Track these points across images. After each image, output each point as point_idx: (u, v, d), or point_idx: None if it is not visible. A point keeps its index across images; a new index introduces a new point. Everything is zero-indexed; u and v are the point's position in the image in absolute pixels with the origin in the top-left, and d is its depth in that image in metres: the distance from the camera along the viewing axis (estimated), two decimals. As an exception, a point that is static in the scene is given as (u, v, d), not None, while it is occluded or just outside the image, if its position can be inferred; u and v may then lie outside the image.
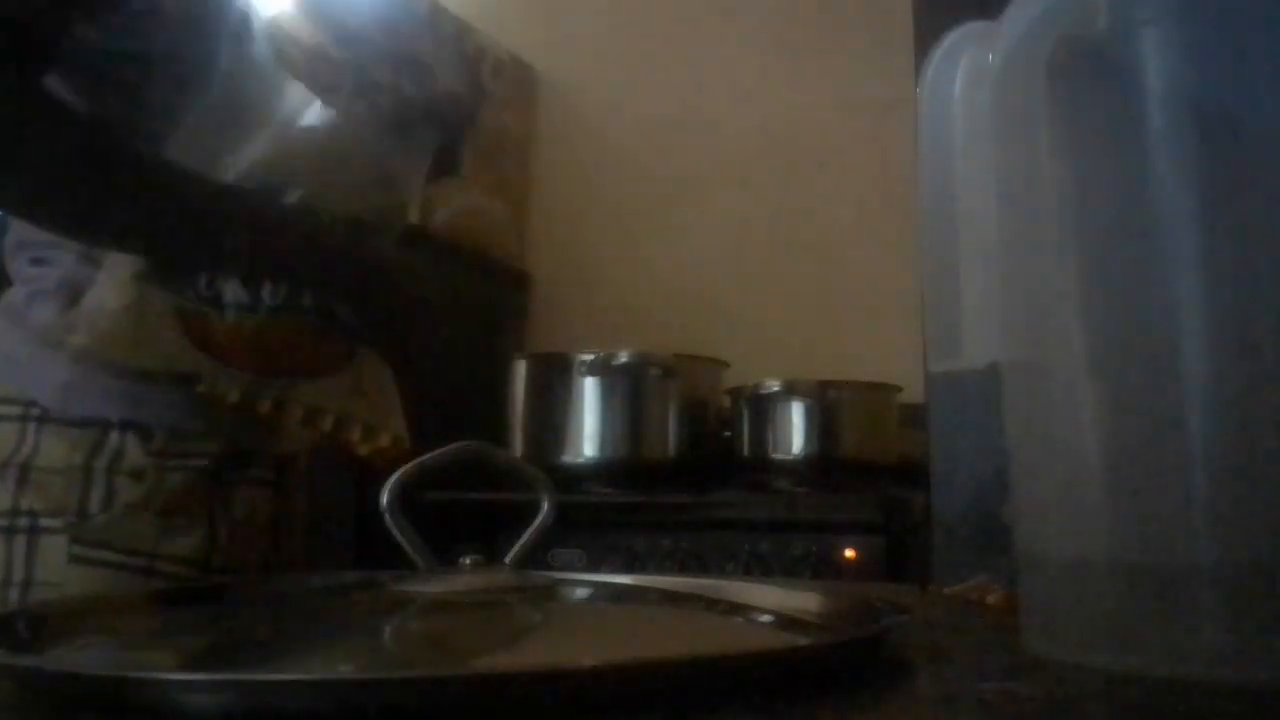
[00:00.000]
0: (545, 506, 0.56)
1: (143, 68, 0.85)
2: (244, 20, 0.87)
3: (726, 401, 1.76)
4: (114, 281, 0.86)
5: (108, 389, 0.89)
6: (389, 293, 0.99)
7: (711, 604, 0.55)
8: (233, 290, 0.87)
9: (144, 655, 0.47)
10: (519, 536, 0.55)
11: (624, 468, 1.65)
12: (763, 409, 1.68)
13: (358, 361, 0.96)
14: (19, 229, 0.93)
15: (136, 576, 0.87)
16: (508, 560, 0.53)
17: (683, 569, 1.47)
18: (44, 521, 0.87)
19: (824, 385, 1.65)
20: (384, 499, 0.51)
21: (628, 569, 1.45)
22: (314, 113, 0.91)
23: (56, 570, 0.86)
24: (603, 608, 0.55)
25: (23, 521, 0.87)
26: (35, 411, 0.89)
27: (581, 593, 0.56)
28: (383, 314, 0.98)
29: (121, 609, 0.55)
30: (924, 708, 0.38)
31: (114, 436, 0.89)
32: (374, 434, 0.95)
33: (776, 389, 1.66)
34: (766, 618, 0.53)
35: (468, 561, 0.50)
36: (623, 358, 1.66)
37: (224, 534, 0.93)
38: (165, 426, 0.90)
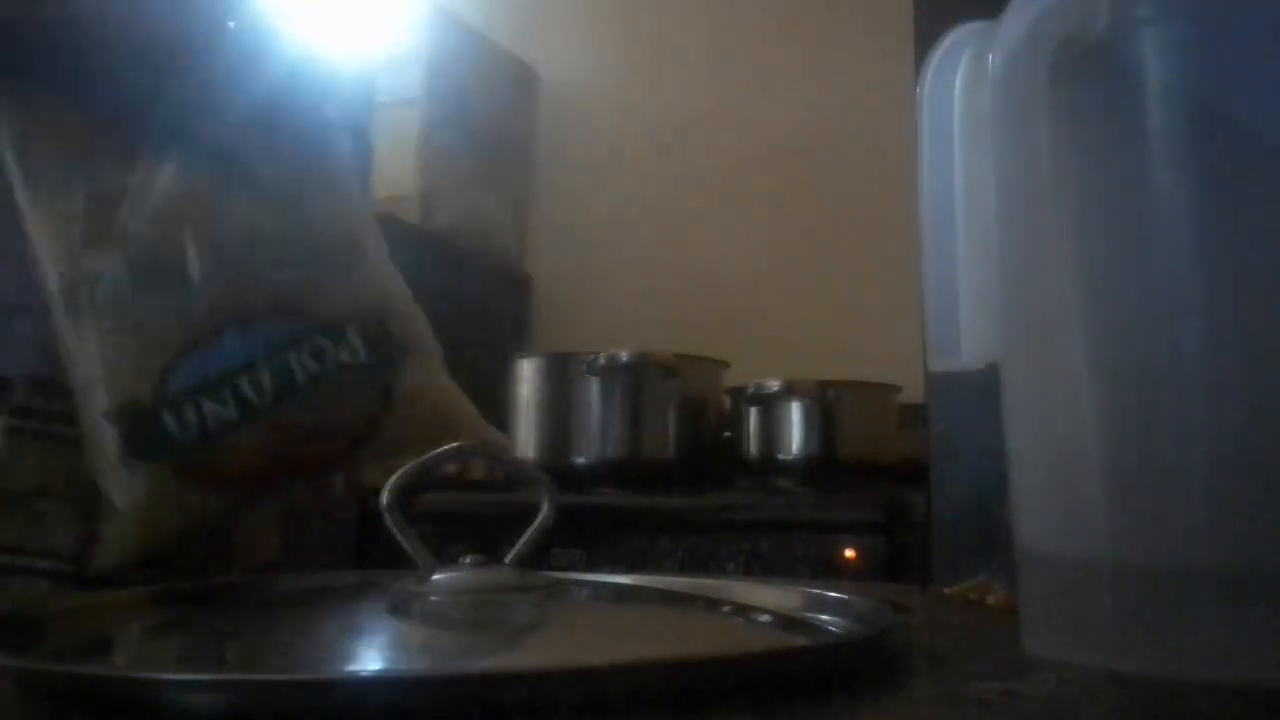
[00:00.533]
0: (545, 506, 0.56)
1: None
2: None
3: (726, 401, 1.76)
4: (118, 488, 0.72)
5: None
6: None
7: (711, 604, 0.55)
8: (211, 413, 0.71)
9: (144, 655, 0.47)
10: (519, 536, 0.55)
11: (624, 468, 1.65)
12: (763, 409, 1.68)
13: (398, 395, 0.79)
14: None
15: None
16: (508, 560, 0.53)
17: (683, 569, 1.47)
18: None
19: (824, 385, 1.65)
20: (384, 499, 0.51)
21: (628, 569, 1.45)
22: None
23: None
24: (603, 608, 0.55)
25: None
26: None
27: (581, 593, 0.56)
28: None
29: (121, 609, 0.55)
30: (924, 708, 0.38)
31: None
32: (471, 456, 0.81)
33: (776, 389, 1.66)
34: (766, 618, 0.53)
35: (468, 561, 0.50)
36: (623, 358, 1.66)
37: (114, 525, 0.75)
38: (28, 375, 0.74)
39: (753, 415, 1.69)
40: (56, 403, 0.74)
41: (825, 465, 1.63)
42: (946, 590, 0.69)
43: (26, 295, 0.74)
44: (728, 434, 1.73)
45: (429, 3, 2.01)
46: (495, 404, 1.75)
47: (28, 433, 0.74)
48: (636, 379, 1.66)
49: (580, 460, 1.66)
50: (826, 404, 1.64)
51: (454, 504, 1.48)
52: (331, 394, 0.76)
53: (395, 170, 1.92)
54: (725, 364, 1.78)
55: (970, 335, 0.51)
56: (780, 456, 1.66)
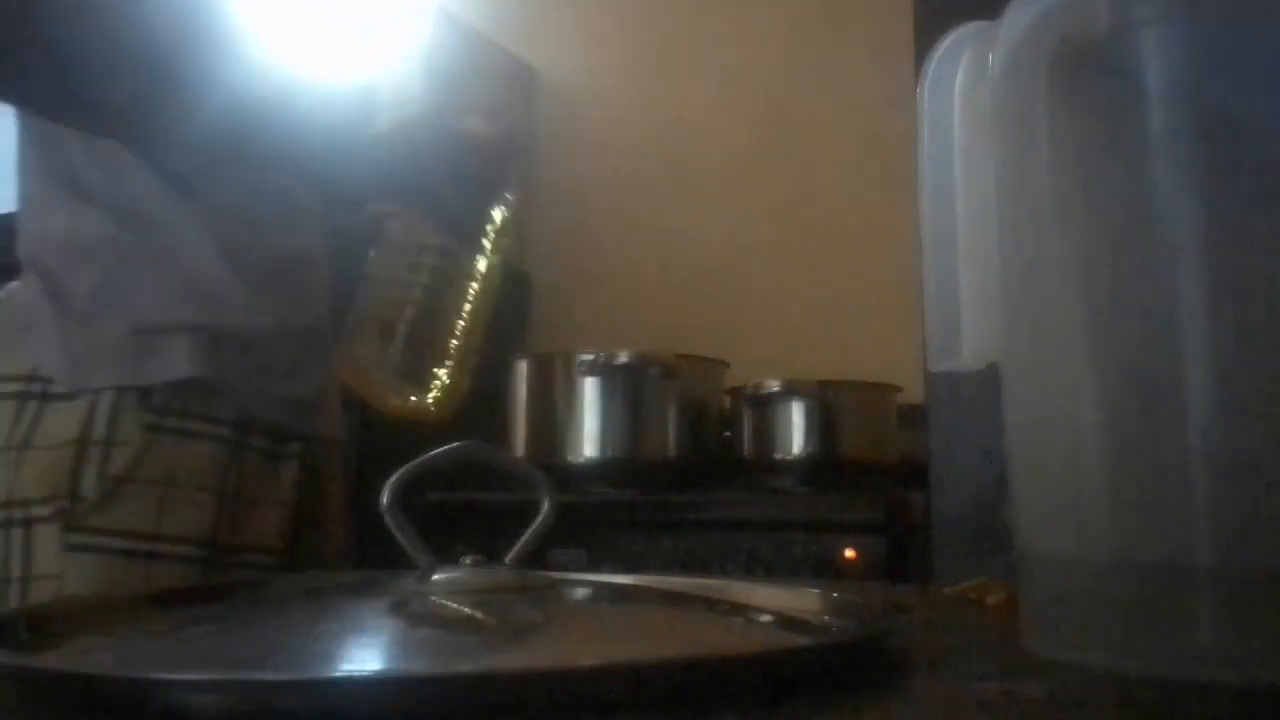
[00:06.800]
0: (545, 506, 0.56)
1: None
2: None
3: (726, 401, 1.76)
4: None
5: (115, 353, 0.84)
6: None
7: (711, 604, 0.55)
8: None
9: (144, 655, 0.47)
10: (519, 536, 0.55)
11: (624, 468, 1.65)
12: (763, 409, 1.68)
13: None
14: (41, 190, 0.90)
15: (138, 562, 0.82)
16: (508, 560, 0.53)
17: (683, 569, 1.47)
18: (35, 510, 0.82)
19: (824, 385, 1.65)
20: (384, 499, 0.51)
21: (628, 569, 1.45)
22: None
23: (53, 561, 0.81)
24: (603, 608, 0.55)
25: (17, 513, 0.83)
26: (36, 388, 0.85)
27: (581, 593, 0.56)
28: None
29: (121, 609, 0.55)
30: (924, 708, 0.38)
31: (108, 399, 0.83)
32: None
33: (776, 389, 1.66)
34: (766, 618, 0.53)
35: (468, 561, 0.50)
36: (623, 358, 1.66)
37: (236, 513, 0.87)
38: (169, 384, 0.84)
39: (753, 415, 1.69)
40: (193, 403, 0.85)
41: (825, 465, 1.63)
42: (946, 590, 0.69)
43: (182, 315, 0.87)
44: (728, 434, 1.73)
45: (429, 3, 2.01)
46: (494, 404, 1.75)
47: (166, 429, 0.84)
48: (636, 379, 1.66)
49: (580, 460, 1.66)
50: (826, 404, 1.64)
51: (454, 504, 1.48)
52: None
53: (395, 170, 1.92)
54: (725, 364, 1.78)
55: (970, 335, 0.51)
56: (780, 456, 1.66)
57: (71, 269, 0.88)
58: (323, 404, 0.97)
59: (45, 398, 0.85)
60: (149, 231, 0.89)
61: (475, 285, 1.09)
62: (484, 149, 1.02)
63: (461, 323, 1.07)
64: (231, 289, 0.90)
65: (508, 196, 1.08)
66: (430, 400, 1.01)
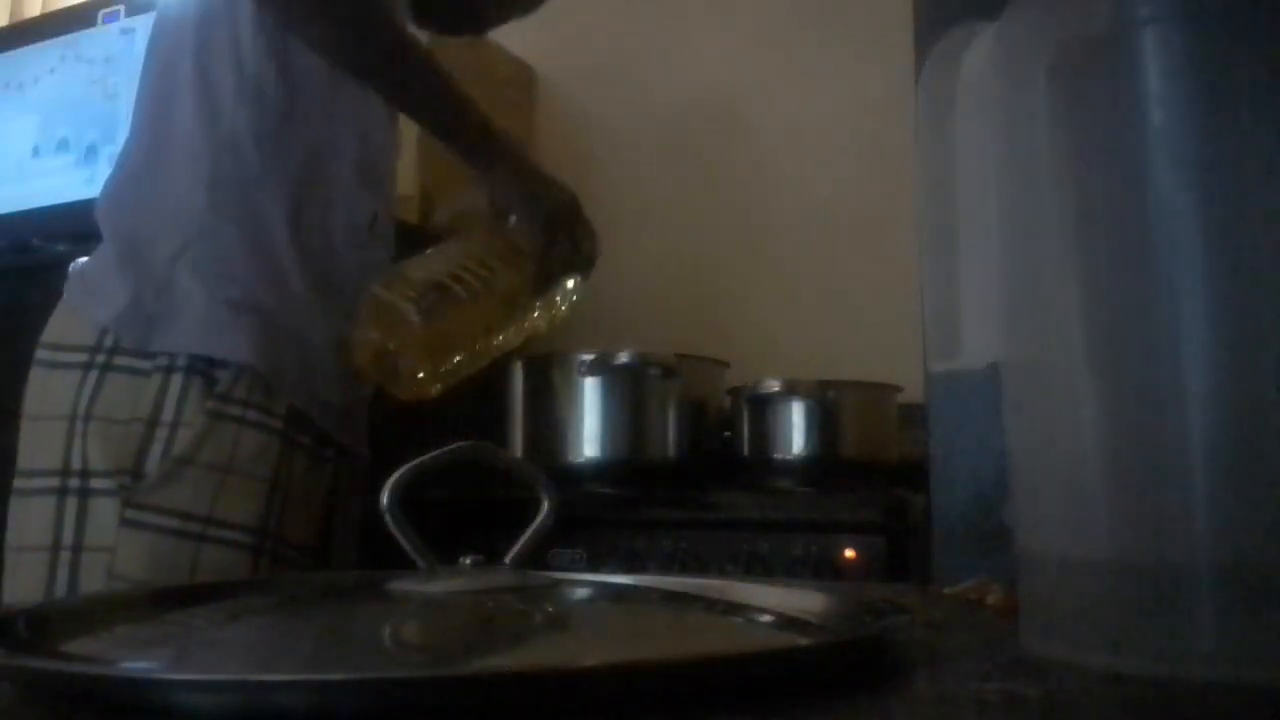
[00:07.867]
0: (545, 506, 0.56)
1: None
2: None
3: (726, 401, 1.75)
4: None
5: (186, 321, 0.86)
6: None
7: (711, 604, 0.55)
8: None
9: (144, 655, 0.47)
10: (519, 536, 0.55)
11: (624, 468, 1.65)
12: (763, 409, 1.68)
13: None
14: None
15: (188, 543, 0.83)
16: (508, 560, 0.53)
17: (683, 569, 1.47)
18: (95, 483, 0.83)
19: (824, 385, 1.65)
20: (384, 499, 0.51)
21: (628, 569, 1.45)
22: None
23: (108, 535, 0.82)
24: (603, 608, 0.55)
25: (74, 482, 0.84)
26: (100, 359, 0.87)
27: (581, 593, 0.56)
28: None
29: (121, 609, 0.55)
30: (924, 708, 0.38)
31: (178, 380, 0.85)
32: None
33: (776, 389, 1.66)
34: (766, 618, 0.53)
35: (468, 561, 0.50)
36: (623, 358, 1.65)
37: (283, 506, 0.88)
38: (231, 372, 0.86)
39: (753, 415, 1.69)
40: (253, 394, 0.87)
41: (825, 465, 1.63)
42: (946, 590, 0.69)
43: (253, 298, 0.89)
44: (728, 434, 1.73)
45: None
46: (494, 404, 1.75)
47: (226, 415, 0.86)
48: (636, 379, 1.66)
49: (580, 460, 1.66)
50: (826, 404, 1.64)
51: (454, 504, 1.48)
52: None
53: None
54: (725, 364, 1.78)
55: (970, 335, 0.51)
56: (780, 456, 1.66)
57: (155, 233, 0.90)
58: (356, 419, 0.98)
59: (106, 368, 0.86)
60: (237, 213, 0.90)
61: (526, 325, 1.10)
62: None
63: (494, 339, 1.07)
64: (299, 291, 0.92)
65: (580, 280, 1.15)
66: (420, 376, 1.00)
